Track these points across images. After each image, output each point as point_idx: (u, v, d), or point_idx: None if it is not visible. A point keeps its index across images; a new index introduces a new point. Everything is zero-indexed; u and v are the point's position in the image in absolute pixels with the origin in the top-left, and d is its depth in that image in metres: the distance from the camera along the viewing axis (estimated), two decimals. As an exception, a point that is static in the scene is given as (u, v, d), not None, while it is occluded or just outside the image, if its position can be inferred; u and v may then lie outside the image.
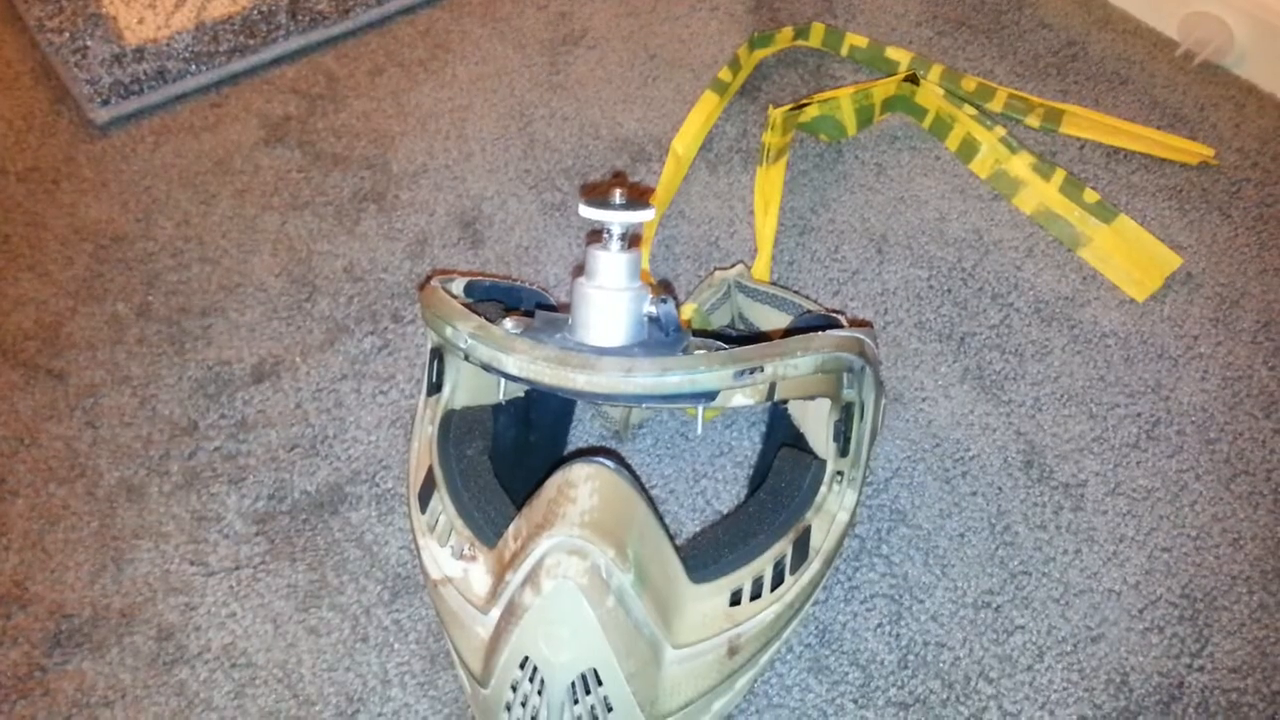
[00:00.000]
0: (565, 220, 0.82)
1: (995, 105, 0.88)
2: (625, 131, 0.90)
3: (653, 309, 0.53)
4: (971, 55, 0.95)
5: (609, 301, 0.53)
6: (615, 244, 0.54)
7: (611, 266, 0.53)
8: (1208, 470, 0.67)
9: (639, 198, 0.55)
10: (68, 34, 0.97)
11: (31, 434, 0.70)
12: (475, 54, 0.97)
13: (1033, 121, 0.87)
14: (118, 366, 0.74)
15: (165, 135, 0.90)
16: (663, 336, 0.54)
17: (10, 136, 0.90)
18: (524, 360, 0.49)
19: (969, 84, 0.89)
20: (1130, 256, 0.77)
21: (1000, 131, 0.83)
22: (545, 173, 0.86)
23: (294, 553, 0.64)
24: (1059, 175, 0.81)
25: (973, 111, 0.85)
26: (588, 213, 0.53)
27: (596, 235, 0.54)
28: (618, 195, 0.54)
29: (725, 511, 0.65)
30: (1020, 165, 0.82)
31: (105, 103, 0.91)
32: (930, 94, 0.86)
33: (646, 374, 0.48)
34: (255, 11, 0.98)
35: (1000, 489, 0.66)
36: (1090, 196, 0.79)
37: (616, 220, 0.53)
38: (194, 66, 0.94)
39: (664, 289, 0.70)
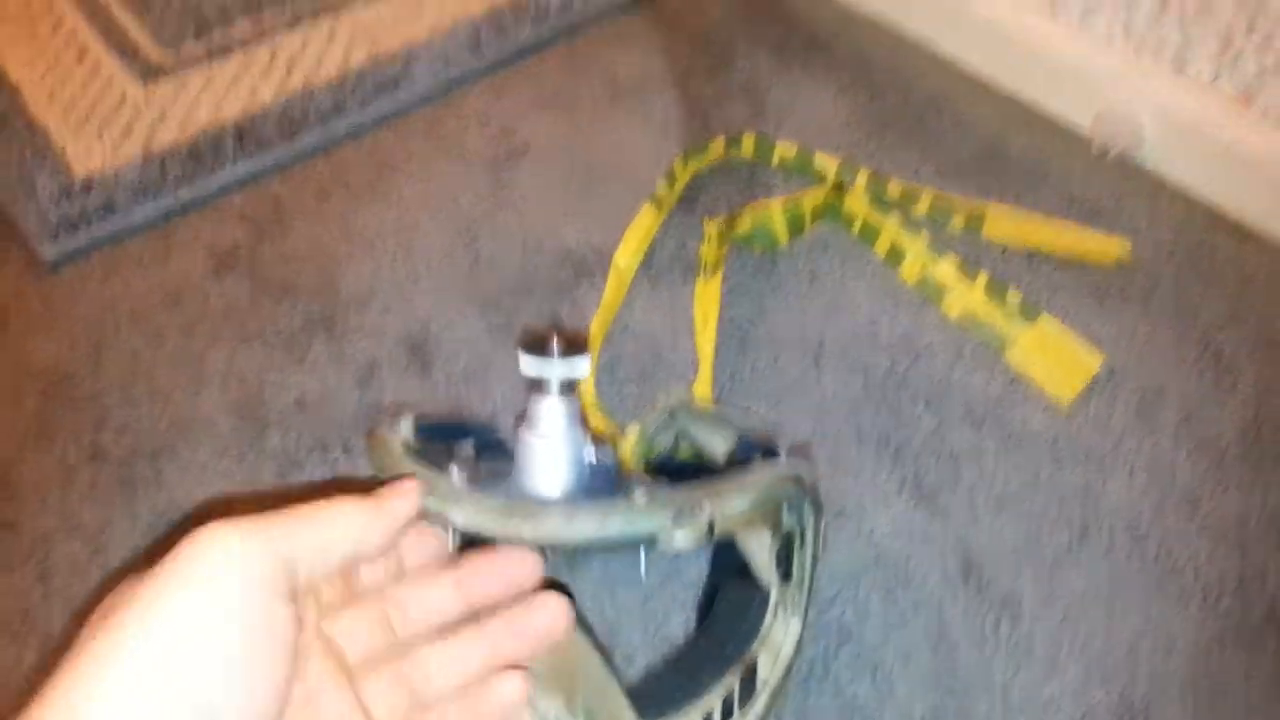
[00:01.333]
0: (511, 340, 0.84)
1: (920, 209, 0.92)
2: (568, 244, 0.92)
3: (593, 458, 0.55)
4: (897, 157, 0.98)
5: (550, 451, 0.55)
6: (554, 393, 0.56)
7: (551, 416, 0.55)
8: (1139, 571, 0.69)
9: (575, 344, 0.57)
10: (15, 168, 0.98)
11: (-16, 587, 0.70)
12: (421, 172, 0.99)
13: (957, 224, 0.91)
14: (69, 514, 0.74)
15: (114, 269, 0.91)
16: (604, 480, 0.55)
17: (-42, 277, 0.91)
18: (470, 512, 0.50)
19: (894, 189, 0.93)
20: (1053, 358, 0.80)
21: (925, 237, 0.87)
22: (491, 292, 0.88)
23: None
24: (982, 278, 0.84)
25: (898, 218, 0.88)
26: (527, 366, 0.55)
27: (536, 383, 0.56)
28: (554, 346, 0.56)
29: (676, 636, 0.67)
30: (945, 270, 0.85)
31: (54, 238, 0.92)
32: (857, 201, 0.89)
33: (587, 521, 0.50)
34: (202, 139, 1.00)
35: (941, 602, 0.68)
36: (1013, 298, 0.83)
37: (554, 374, 0.55)
38: (142, 197, 0.96)
39: (611, 428, 0.72)
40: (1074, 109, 1.00)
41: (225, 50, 1.13)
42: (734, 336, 0.84)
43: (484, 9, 1.16)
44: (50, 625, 0.68)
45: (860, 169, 0.95)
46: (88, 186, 0.96)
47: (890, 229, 0.87)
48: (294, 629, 0.36)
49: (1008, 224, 0.90)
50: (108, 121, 1.04)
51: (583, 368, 0.56)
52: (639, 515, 0.50)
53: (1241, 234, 0.90)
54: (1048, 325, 0.81)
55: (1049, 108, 1.02)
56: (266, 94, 1.06)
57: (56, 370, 0.83)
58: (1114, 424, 0.77)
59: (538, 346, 0.56)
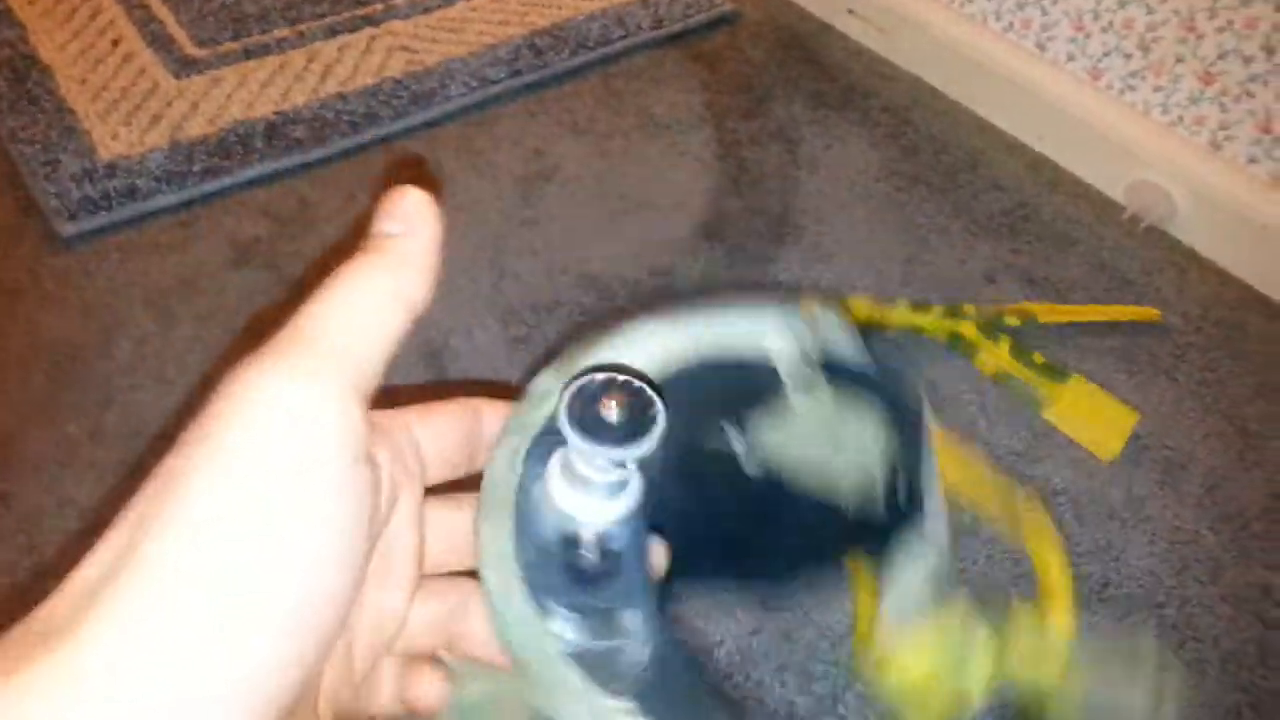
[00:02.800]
0: (529, 353, 0.83)
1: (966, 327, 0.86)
2: (592, 268, 0.91)
3: None
4: (927, 212, 0.98)
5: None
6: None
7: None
8: (1156, 635, 0.67)
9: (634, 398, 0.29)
10: (40, 145, 0.98)
11: (-32, 557, 0.68)
12: (449, 185, 0.99)
13: (1012, 320, 0.87)
14: (65, 490, 0.72)
15: (131, 252, 0.90)
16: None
17: (-27, 246, 0.89)
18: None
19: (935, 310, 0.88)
20: (1091, 416, 0.79)
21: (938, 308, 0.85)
22: (512, 306, 0.87)
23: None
24: (1005, 341, 0.82)
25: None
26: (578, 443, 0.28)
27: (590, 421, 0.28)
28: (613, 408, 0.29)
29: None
30: (969, 329, 0.84)
31: (73, 217, 0.91)
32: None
33: None
34: (231, 134, 1.00)
35: (956, 649, 0.66)
36: (1038, 359, 0.82)
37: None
38: (165, 185, 0.95)
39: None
40: (1108, 177, 1.00)
41: (262, 51, 1.13)
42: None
43: (523, 32, 1.17)
44: (35, 601, 0.66)
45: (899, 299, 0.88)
46: (111, 169, 0.95)
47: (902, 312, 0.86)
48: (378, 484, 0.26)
49: (1056, 314, 0.88)
50: (137, 109, 1.04)
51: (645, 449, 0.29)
52: None
53: (1271, 311, 0.90)
54: (1080, 386, 0.80)
55: (1083, 173, 1.03)
56: (299, 97, 1.06)
57: (66, 347, 0.82)
58: (1137, 488, 0.76)
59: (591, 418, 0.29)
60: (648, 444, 0.28)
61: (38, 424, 0.76)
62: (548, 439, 0.31)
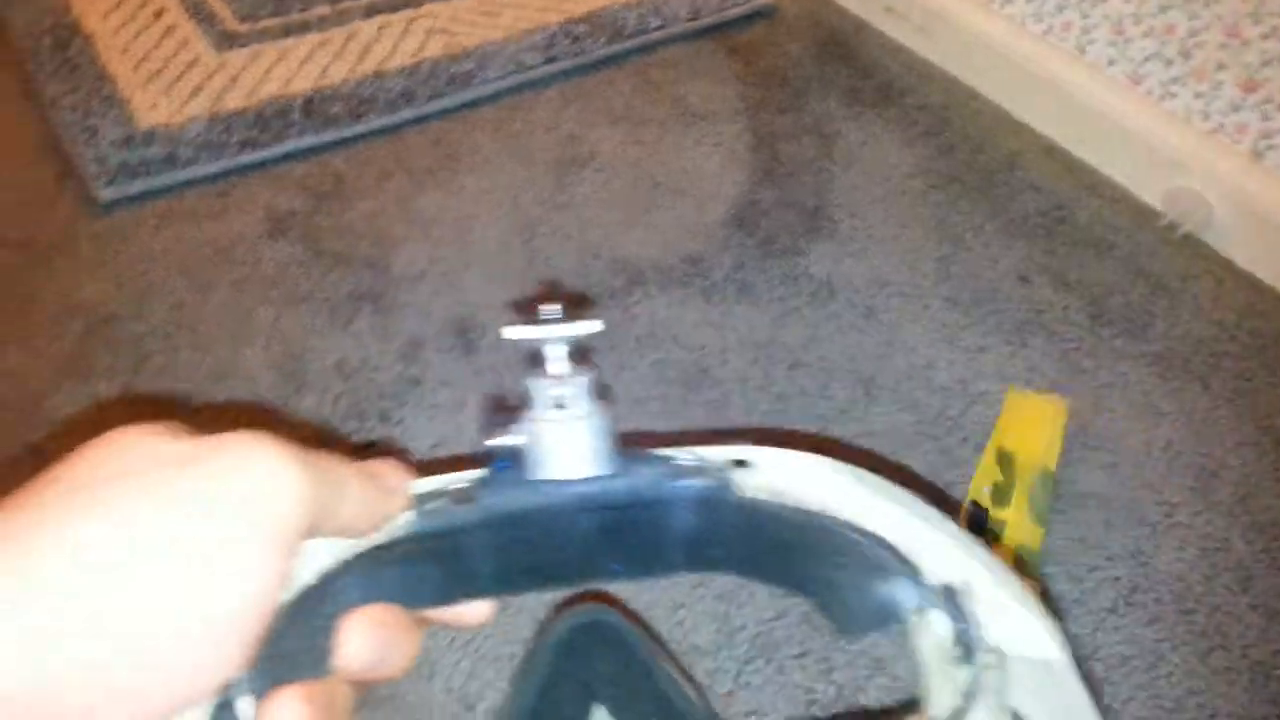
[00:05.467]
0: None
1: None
2: (625, 254, 0.91)
3: None
4: (962, 210, 0.98)
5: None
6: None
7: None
8: (1184, 641, 0.67)
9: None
10: (80, 111, 0.98)
11: None
12: (483, 167, 0.99)
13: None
14: (95, 449, 0.72)
15: (168, 220, 0.90)
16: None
17: (12, 207, 0.90)
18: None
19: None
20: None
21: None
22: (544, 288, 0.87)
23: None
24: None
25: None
26: (517, 333, 0.38)
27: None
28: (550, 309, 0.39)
29: (701, 644, 0.64)
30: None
31: (111, 182, 0.92)
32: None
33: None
34: (269, 108, 1.00)
35: (980, 644, 0.65)
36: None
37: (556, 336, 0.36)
38: (204, 155, 0.95)
39: None
40: (1146, 182, 1.00)
41: (302, 29, 1.13)
42: (783, 359, 0.83)
43: (560, 20, 1.17)
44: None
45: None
46: (150, 137, 0.96)
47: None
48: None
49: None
50: (177, 80, 1.04)
51: (592, 327, 0.40)
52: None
53: (1307, 323, 0.89)
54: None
55: (1121, 178, 1.02)
56: (337, 74, 1.07)
57: (100, 310, 0.82)
58: (1168, 494, 0.75)
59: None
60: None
61: (71, 382, 0.76)
62: None
